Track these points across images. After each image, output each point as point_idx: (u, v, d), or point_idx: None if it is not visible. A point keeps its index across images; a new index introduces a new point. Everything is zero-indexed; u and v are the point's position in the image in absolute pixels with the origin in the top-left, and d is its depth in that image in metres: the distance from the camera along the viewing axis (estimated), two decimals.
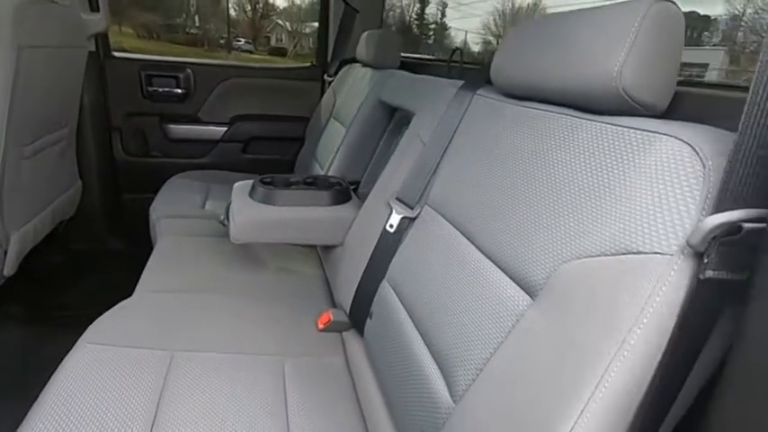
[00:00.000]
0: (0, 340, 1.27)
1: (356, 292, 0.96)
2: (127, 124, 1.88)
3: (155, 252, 1.21)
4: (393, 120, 1.41)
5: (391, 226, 0.92)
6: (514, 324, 0.56)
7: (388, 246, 0.92)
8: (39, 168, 1.39)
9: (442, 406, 0.61)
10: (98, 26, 1.70)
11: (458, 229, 0.75)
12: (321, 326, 1.02)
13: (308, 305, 1.09)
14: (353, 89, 1.64)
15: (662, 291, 0.40)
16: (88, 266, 1.75)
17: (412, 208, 0.91)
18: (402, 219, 0.91)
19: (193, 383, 0.78)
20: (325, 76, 1.96)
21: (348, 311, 0.99)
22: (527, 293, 0.56)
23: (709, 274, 0.38)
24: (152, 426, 0.69)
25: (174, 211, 1.46)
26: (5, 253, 1.26)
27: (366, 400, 0.83)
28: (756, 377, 0.34)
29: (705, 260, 0.38)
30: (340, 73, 1.86)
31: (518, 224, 0.61)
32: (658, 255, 0.41)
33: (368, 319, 0.92)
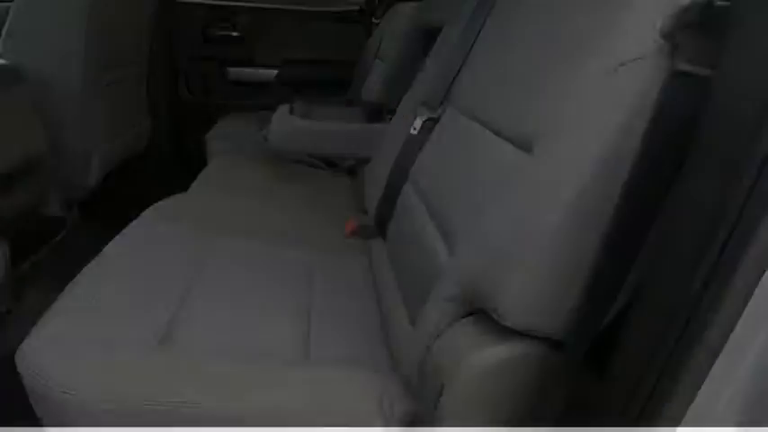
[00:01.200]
0: (79, 242, 1.46)
1: (381, 197, 1.00)
2: (190, 67, 2.03)
3: (209, 165, 1.33)
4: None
5: (414, 129, 0.95)
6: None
7: (411, 149, 0.95)
8: (114, 97, 1.56)
9: (440, 264, 0.65)
10: None
11: (473, 120, 0.76)
12: (349, 232, 1.08)
13: (339, 216, 1.15)
14: (397, 26, 1.65)
15: (635, 88, 0.40)
16: (155, 198, 1.94)
17: (435, 109, 0.93)
18: (425, 121, 0.93)
19: (229, 262, 0.87)
20: (373, 19, 1.99)
21: (374, 217, 1.04)
22: (526, 152, 0.57)
23: (682, 66, 0.37)
24: (190, 290, 0.77)
25: (227, 135, 1.59)
26: (89, 166, 1.44)
27: (382, 285, 0.88)
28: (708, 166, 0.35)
29: (678, 50, 0.37)
30: (386, 14, 1.88)
31: (527, 90, 0.62)
32: (638, 59, 0.41)
33: (390, 221, 0.96)
